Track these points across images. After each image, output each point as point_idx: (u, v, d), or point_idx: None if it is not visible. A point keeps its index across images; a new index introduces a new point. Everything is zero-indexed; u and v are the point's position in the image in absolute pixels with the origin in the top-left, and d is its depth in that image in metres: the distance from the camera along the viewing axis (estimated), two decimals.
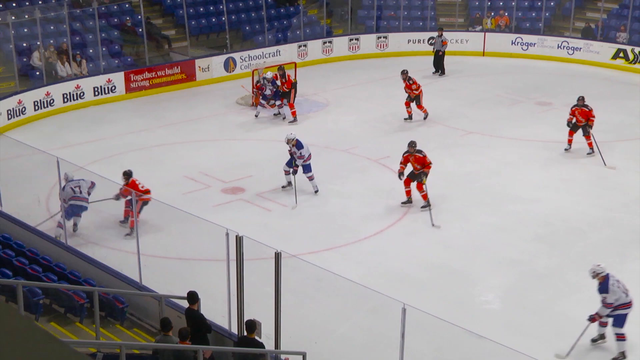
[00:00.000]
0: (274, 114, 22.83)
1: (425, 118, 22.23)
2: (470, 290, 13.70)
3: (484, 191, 17.66)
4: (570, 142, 19.76)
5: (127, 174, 15.46)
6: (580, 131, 19.49)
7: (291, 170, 17.30)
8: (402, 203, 16.71)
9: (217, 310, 11.16)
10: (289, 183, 17.48)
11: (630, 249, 15.09)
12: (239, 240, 10.22)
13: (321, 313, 12.68)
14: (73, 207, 14.82)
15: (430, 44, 28.22)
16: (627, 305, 11.63)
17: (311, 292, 12.90)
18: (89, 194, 15.00)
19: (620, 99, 24.73)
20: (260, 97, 22.89)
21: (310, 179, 17.41)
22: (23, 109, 22.17)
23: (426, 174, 16.46)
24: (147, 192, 15.44)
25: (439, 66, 27.27)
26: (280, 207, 16.50)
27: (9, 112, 21.68)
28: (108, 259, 13.27)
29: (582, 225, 16.05)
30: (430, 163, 16.48)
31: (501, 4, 31.33)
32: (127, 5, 27.14)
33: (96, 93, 24.07)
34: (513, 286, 13.87)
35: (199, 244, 14.44)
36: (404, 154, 16.66)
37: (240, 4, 29.42)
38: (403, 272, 14.07)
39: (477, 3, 31.73)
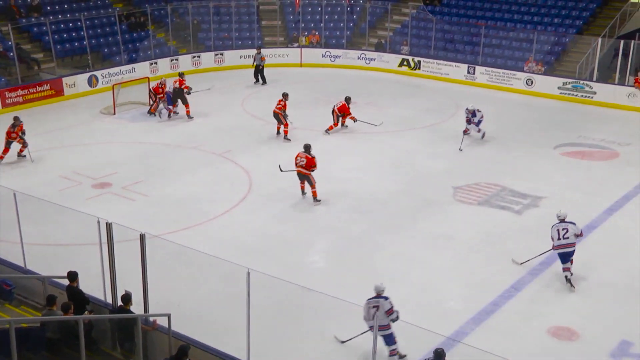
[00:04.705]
0: (169, 116, 22.51)
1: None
2: (300, 253, 13.90)
3: None
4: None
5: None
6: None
7: None
8: None
9: (94, 286, 10.76)
10: None
11: (420, 213, 15.75)
12: (108, 226, 9.94)
13: (182, 281, 12.49)
14: None
15: (253, 60, 28.00)
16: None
17: (172, 265, 12.68)
18: None
19: (406, 97, 25.67)
20: (165, 104, 22.48)
21: None
22: None
23: None
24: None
25: (259, 77, 27.32)
26: (142, 197, 16.05)
27: None
28: None
29: (384, 197, 16.57)
30: None
31: (312, 25, 31.71)
32: None
33: None
34: (334, 248, 14.17)
35: (75, 231, 13.84)
36: None
37: (99, 30, 28.28)
38: (246, 243, 14.07)
39: (293, 25, 31.99)
